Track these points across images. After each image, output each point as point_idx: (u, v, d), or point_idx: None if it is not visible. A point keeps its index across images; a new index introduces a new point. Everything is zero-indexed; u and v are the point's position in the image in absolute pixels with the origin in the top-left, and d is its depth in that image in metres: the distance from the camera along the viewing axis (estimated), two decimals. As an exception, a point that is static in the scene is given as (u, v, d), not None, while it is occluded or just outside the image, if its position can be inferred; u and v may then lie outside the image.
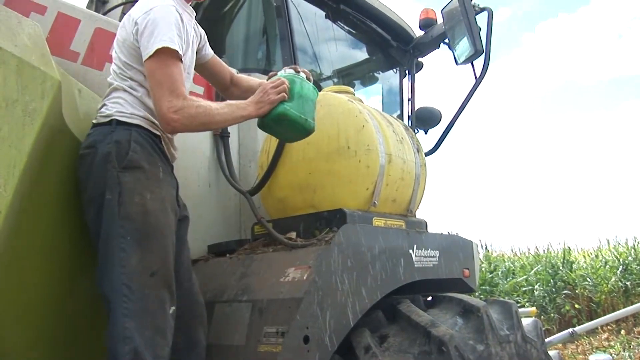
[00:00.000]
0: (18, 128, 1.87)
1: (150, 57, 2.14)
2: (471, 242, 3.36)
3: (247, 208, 2.96)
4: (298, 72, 2.49)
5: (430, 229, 3.21)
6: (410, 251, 2.73)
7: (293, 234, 2.69)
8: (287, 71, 2.49)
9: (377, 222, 2.76)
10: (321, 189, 2.79)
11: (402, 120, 4.56)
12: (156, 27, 2.16)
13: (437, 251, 2.92)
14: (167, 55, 2.15)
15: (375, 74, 4.79)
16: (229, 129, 3.23)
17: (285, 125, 2.38)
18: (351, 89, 3.21)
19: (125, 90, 2.26)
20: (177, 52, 2.16)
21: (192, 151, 3.00)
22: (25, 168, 1.88)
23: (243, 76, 2.83)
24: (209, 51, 2.65)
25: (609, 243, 13.41)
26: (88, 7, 4.38)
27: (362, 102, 3.09)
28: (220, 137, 3.17)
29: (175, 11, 2.25)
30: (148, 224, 2.11)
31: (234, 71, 2.81)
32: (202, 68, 2.64)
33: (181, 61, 2.21)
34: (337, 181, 2.75)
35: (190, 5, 2.49)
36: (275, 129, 2.45)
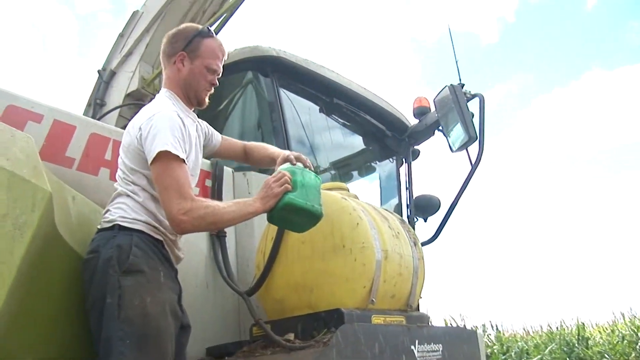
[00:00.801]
0: (7, 242, 1.86)
1: (154, 160, 2.18)
2: (475, 332, 3.30)
3: (246, 309, 2.91)
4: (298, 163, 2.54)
5: (438, 316, 3.17)
6: (412, 347, 2.67)
7: (291, 335, 2.64)
8: (291, 164, 2.53)
9: (377, 319, 2.70)
10: (318, 288, 2.75)
11: (401, 209, 4.57)
12: (158, 132, 2.21)
13: (440, 345, 2.86)
14: (170, 158, 2.18)
15: (372, 164, 4.83)
16: (226, 228, 3.21)
17: (293, 215, 2.39)
18: (345, 185, 3.23)
19: (128, 196, 2.29)
20: (179, 156, 2.20)
21: (189, 252, 2.94)
22: (15, 282, 1.86)
23: (253, 147, 2.89)
24: (217, 138, 2.76)
25: (624, 317, 13.13)
26: (86, 110, 4.49)
27: (357, 197, 3.10)
28: (217, 237, 3.14)
29: (177, 116, 2.30)
30: (148, 327, 2.09)
31: (243, 142, 2.92)
32: (217, 154, 2.81)
33: (185, 163, 2.24)
34: (333, 280, 2.72)
35: (193, 111, 2.56)
36: (285, 221, 2.46)
